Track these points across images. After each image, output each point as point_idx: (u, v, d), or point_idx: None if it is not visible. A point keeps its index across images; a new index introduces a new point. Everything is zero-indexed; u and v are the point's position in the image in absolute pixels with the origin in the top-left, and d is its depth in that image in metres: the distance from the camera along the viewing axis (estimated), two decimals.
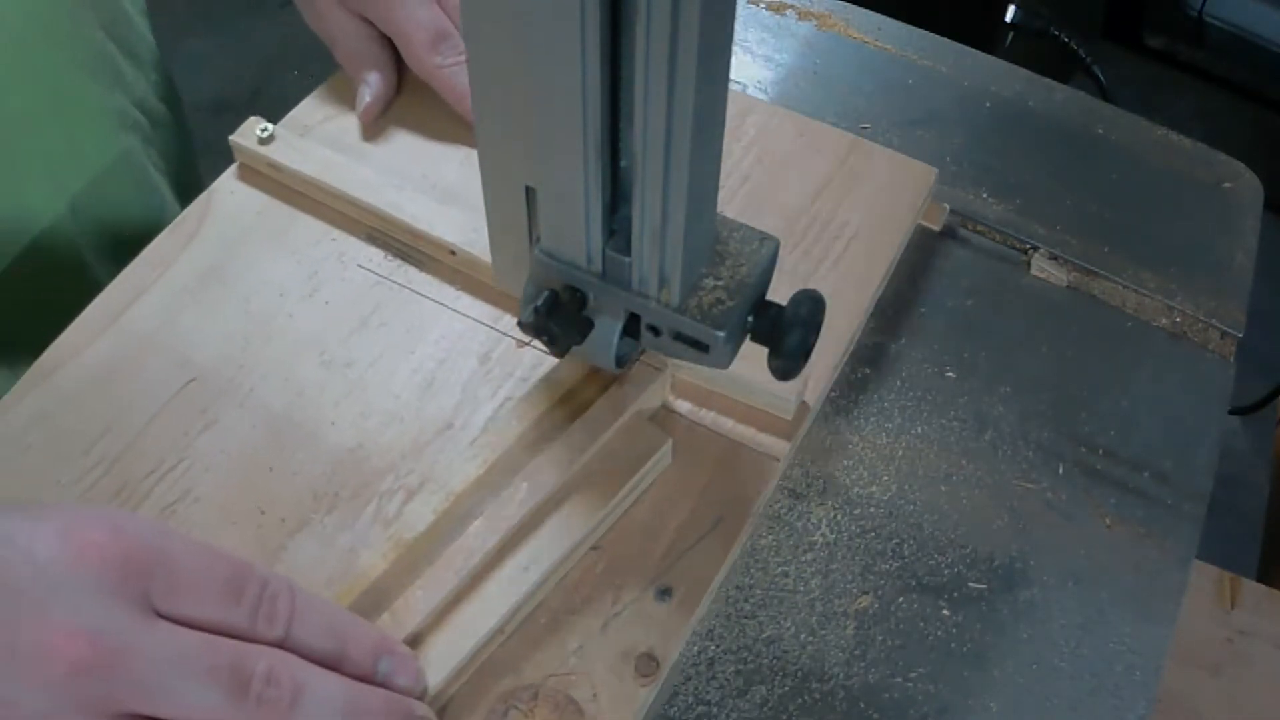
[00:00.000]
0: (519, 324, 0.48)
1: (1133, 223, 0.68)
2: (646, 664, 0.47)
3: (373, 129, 0.64)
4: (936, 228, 0.66)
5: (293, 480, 0.51)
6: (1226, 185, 0.71)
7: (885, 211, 0.63)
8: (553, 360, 0.54)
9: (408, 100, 0.65)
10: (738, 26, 0.75)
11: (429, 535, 0.48)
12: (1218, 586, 0.94)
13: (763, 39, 0.76)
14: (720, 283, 0.46)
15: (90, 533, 0.38)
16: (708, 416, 0.54)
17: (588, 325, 0.47)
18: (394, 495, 0.51)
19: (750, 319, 0.46)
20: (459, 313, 0.57)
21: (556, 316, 0.46)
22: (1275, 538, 1.14)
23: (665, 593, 0.49)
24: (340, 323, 0.56)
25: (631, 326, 0.47)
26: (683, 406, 0.55)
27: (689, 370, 0.54)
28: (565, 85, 0.40)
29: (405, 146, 0.63)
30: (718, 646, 0.50)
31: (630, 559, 0.50)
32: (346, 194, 0.59)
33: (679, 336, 0.46)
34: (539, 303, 0.46)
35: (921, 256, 0.65)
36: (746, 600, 0.52)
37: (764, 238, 0.47)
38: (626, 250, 0.44)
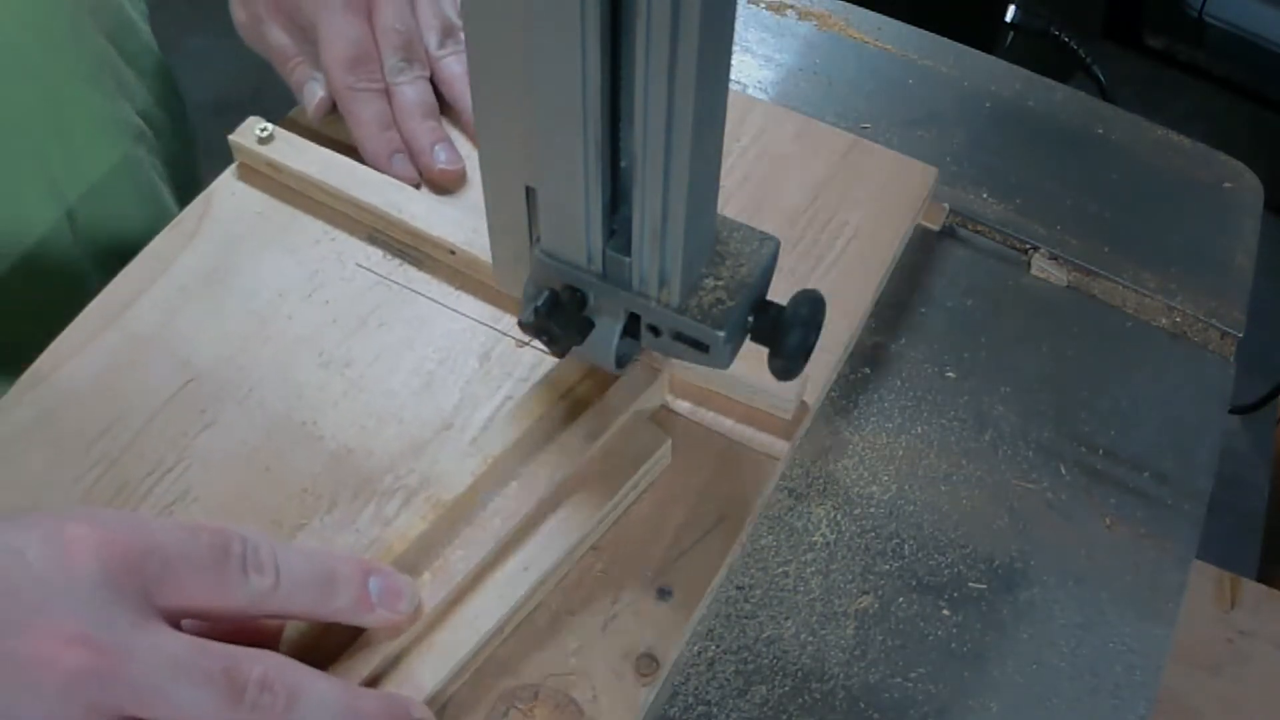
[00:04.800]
0: (519, 324, 0.48)
1: (1133, 223, 0.68)
2: (647, 664, 0.47)
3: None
4: (936, 227, 0.66)
5: (290, 481, 0.51)
6: (1226, 185, 0.71)
7: (885, 211, 0.63)
8: (552, 360, 0.54)
9: None
10: (738, 26, 0.75)
11: (428, 536, 0.48)
12: (1218, 586, 0.94)
13: (763, 39, 0.76)
14: (720, 283, 0.46)
15: (78, 532, 0.38)
16: (707, 416, 0.54)
17: (588, 325, 0.47)
18: (393, 496, 0.51)
19: (750, 319, 0.46)
20: (459, 312, 0.57)
21: (556, 316, 0.46)
22: (1275, 538, 1.14)
23: (665, 592, 0.49)
24: (340, 322, 0.56)
25: (632, 326, 0.47)
26: (682, 406, 0.54)
27: (688, 370, 0.53)
28: (565, 85, 0.40)
29: None
30: (718, 646, 0.50)
31: (630, 559, 0.50)
32: (346, 194, 0.58)
33: (679, 336, 0.46)
34: (539, 303, 0.46)
35: (922, 256, 0.65)
36: (746, 600, 0.52)
37: (764, 238, 0.47)
38: (626, 250, 0.44)
